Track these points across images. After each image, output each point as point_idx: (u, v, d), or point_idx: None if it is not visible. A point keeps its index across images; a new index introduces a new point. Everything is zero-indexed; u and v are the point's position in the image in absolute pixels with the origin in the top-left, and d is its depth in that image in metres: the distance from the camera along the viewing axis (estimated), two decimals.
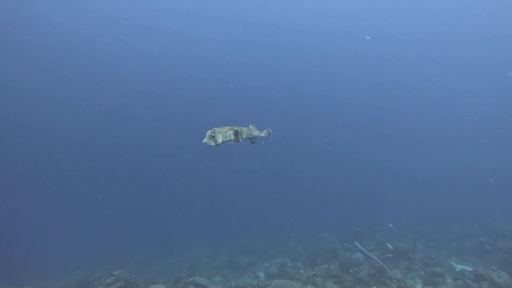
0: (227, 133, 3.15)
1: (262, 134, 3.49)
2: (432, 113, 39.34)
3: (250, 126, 3.43)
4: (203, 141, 3.05)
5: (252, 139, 3.47)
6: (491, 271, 7.78)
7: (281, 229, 17.93)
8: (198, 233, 19.53)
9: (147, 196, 29.60)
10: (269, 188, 28.83)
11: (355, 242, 9.98)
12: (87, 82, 37.57)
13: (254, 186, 29.74)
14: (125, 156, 35.83)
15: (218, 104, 40.41)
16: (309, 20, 40.73)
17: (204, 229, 20.37)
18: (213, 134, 3.05)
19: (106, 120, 37.34)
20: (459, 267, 10.49)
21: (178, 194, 30.41)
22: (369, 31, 40.06)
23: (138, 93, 38.83)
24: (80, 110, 35.70)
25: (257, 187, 29.67)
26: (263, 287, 8.12)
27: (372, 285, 8.84)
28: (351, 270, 9.98)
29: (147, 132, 37.00)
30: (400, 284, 7.47)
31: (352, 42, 41.48)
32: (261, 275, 12.30)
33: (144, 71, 39.24)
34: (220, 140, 3.09)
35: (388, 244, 10.43)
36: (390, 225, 11.20)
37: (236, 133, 3.16)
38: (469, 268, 10.26)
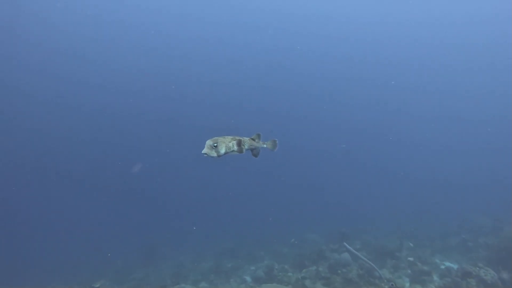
0: (231, 143, 2.86)
1: (265, 146, 3.19)
2: (416, 112, 40.19)
3: (254, 137, 3.14)
4: (203, 152, 2.71)
5: (254, 151, 3.17)
6: (478, 268, 7.87)
7: (266, 231, 17.77)
8: (181, 238, 19.09)
9: (124, 200, 28.70)
10: (252, 189, 28.67)
11: (345, 243, 9.93)
12: (85, 82, 37.63)
13: (237, 188, 29.39)
14: (100, 159, 34.81)
15: (213, 107, 40.26)
16: (311, 23, 41.91)
17: (187, 233, 19.93)
18: (215, 144, 2.75)
19: (80, 120, 36.47)
20: (444, 264, 10.63)
21: (158, 197, 29.68)
22: (367, 33, 41.25)
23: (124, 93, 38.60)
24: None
25: (241, 188, 29.38)
26: None
27: (362, 286, 8.79)
28: (339, 271, 9.93)
29: (126, 134, 36.26)
30: (392, 285, 7.44)
31: (346, 43, 42.55)
32: (248, 279, 12.09)
33: (145, 71, 39.36)
34: (223, 151, 2.79)
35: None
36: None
37: (240, 143, 2.89)
38: (454, 265, 10.42)
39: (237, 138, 2.90)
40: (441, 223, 15.56)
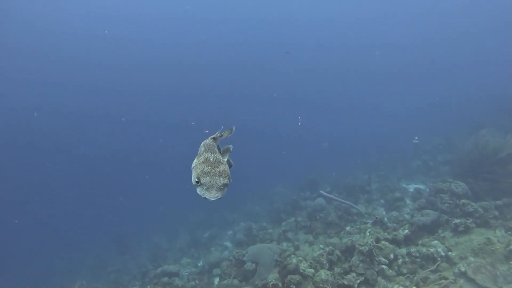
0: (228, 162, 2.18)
1: (224, 137, 2.55)
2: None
3: (217, 133, 2.45)
4: (213, 197, 1.86)
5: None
6: (448, 183, 8.14)
7: (231, 194, 17.42)
8: (147, 219, 18.23)
9: (83, 191, 26.72)
10: None
11: (321, 191, 9.83)
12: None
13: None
14: (55, 152, 32.18)
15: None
16: None
17: (153, 213, 19.07)
18: (227, 181, 1.92)
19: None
20: (411, 187, 11.06)
21: (115, 181, 28.02)
22: None
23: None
24: None
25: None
26: (241, 257, 7.60)
27: (344, 226, 8.85)
28: (318, 217, 9.93)
29: (73, 127, 33.88)
30: (376, 218, 7.48)
31: None
32: (228, 244, 11.86)
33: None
34: (230, 175, 2.02)
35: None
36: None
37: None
38: (421, 186, 10.87)
39: (216, 150, 2.16)
40: (398, 150, 16.11)
